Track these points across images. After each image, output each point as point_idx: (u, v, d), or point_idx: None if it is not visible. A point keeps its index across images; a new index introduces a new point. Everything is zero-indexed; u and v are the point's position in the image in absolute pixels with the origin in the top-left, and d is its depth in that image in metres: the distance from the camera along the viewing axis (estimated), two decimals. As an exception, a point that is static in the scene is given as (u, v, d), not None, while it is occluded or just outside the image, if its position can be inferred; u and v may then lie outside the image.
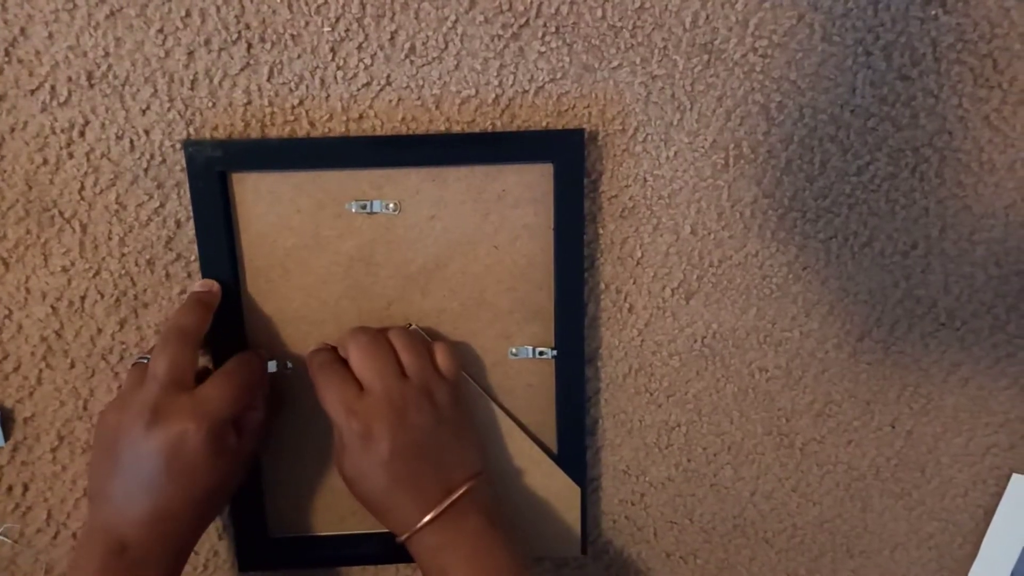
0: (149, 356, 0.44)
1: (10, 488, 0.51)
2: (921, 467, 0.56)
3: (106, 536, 0.42)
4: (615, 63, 0.47)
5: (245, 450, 0.46)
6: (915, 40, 0.48)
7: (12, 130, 0.46)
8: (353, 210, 0.47)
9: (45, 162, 0.46)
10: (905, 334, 0.53)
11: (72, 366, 0.49)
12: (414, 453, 0.44)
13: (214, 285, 0.47)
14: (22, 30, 0.44)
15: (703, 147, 0.49)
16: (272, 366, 0.49)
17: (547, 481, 0.51)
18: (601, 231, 0.50)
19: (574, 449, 0.51)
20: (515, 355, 0.50)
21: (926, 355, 0.54)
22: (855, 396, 0.54)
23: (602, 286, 0.51)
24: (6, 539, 0.51)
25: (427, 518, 0.43)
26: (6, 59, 0.45)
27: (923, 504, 0.57)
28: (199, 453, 0.42)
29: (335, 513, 0.52)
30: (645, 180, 0.49)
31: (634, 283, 0.51)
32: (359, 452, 0.43)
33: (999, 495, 0.56)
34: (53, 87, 0.45)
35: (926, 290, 0.52)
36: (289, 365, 0.49)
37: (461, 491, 0.44)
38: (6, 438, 0.50)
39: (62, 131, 0.46)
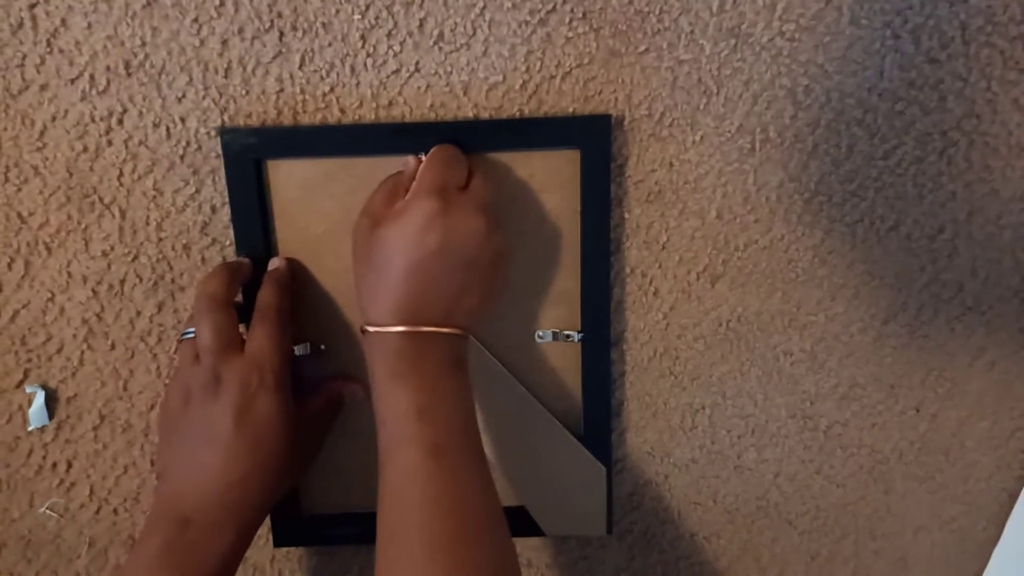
0: (191, 330, 0.45)
1: (55, 465, 0.53)
2: (945, 451, 0.56)
3: (171, 512, 0.42)
4: (642, 48, 0.48)
5: (309, 429, 0.47)
6: (944, 23, 0.47)
7: (53, 119, 0.47)
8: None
9: (85, 149, 0.48)
10: (931, 318, 0.53)
11: (112, 347, 0.51)
12: (449, 263, 0.42)
13: (245, 259, 0.48)
14: (63, 21, 0.45)
15: (729, 131, 0.49)
16: (306, 348, 0.50)
17: (573, 462, 0.52)
18: (627, 215, 0.50)
19: (599, 431, 0.52)
20: (541, 338, 0.51)
21: (952, 339, 0.54)
22: (880, 380, 0.54)
23: (627, 270, 0.51)
24: (52, 513, 0.53)
25: (407, 328, 0.41)
26: (48, 49, 0.46)
27: (946, 487, 0.57)
28: (266, 406, 0.43)
29: (367, 491, 0.53)
30: (671, 165, 0.50)
31: (659, 267, 0.51)
32: (416, 225, 0.41)
33: (1023, 479, 0.56)
34: (92, 76, 0.46)
35: (953, 274, 0.52)
36: (322, 347, 0.51)
37: (454, 331, 0.43)
38: (50, 417, 0.52)
39: (101, 119, 0.47)
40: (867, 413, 0.55)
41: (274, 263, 0.48)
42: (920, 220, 0.51)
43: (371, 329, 0.42)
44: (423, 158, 0.45)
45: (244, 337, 0.45)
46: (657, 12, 0.47)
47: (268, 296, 0.46)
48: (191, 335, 0.45)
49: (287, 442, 0.44)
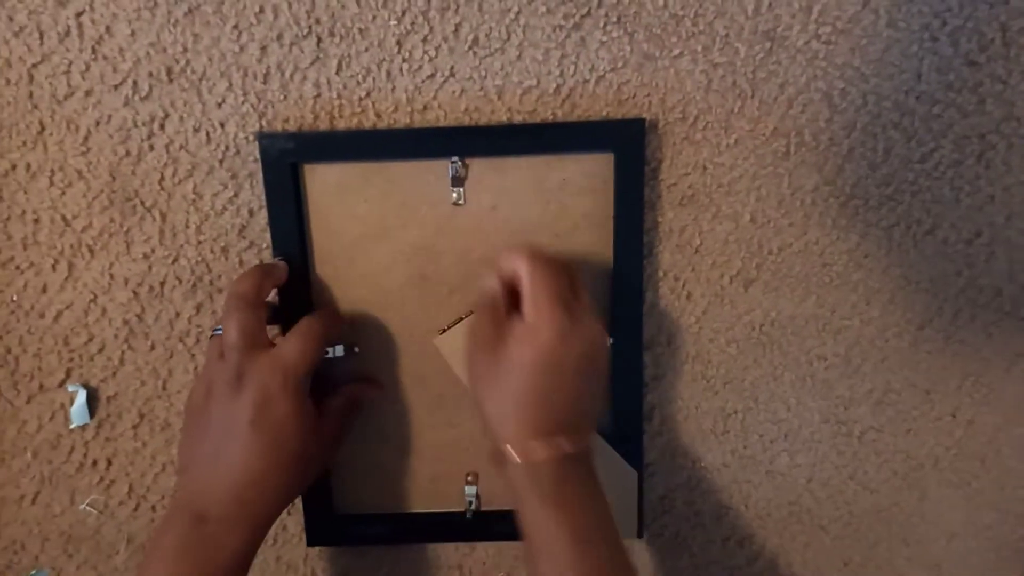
0: (220, 327, 0.46)
1: (95, 462, 0.54)
2: (981, 457, 0.55)
3: (188, 508, 0.43)
4: (676, 52, 0.48)
5: (328, 430, 0.48)
6: (983, 25, 0.47)
7: (97, 124, 0.48)
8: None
9: (128, 154, 0.49)
10: (967, 323, 0.53)
11: (152, 348, 0.52)
12: (582, 374, 0.42)
13: (281, 262, 0.49)
14: (107, 28, 0.46)
15: (764, 135, 0.49)
16: (340, 350, 0.51)
17: (605, 465, 0.52)
18: (660, 219, 0.50)
19: (631, 434, 0.52)
20: (575, 341, 0.51)
21: (988, 344, 0.53)
22: (915, 385, 0.54)
23: (660, 273, 0.51)
24: (91, 510, 0.55)
25: (546, 443, 0.41)
26: (92, 56, 0.47)
27: (982, 494, 0.56)
28: (283, 408, 0.43)
29: (398, 492, 0.54)
30: (704, 168, 0.50)
31: (692, 271, 0.51)
32: (553, 343, 0.41)
33: (1063, 487, 0.56)
34: (135, 82, 0.47)
35: (990, 279, 0.52)
36: (356, 349, 0.51)
37: (587, 444, 0.43)
38: (91, 415, 0.53)
39: (143, 124, 0.48)
40: (902, 419, 0.55)
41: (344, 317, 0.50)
42: (957, 224, 0.51)
43: (514, 453, 0.42)
44: (515, 271, 0.44)
45: (272, 341, 0.46)
46: (692, 16, 0.47)
47: (319, 317, 0.47)
48: (220, 332, 0.46)
49: (304, 444, 0.45)
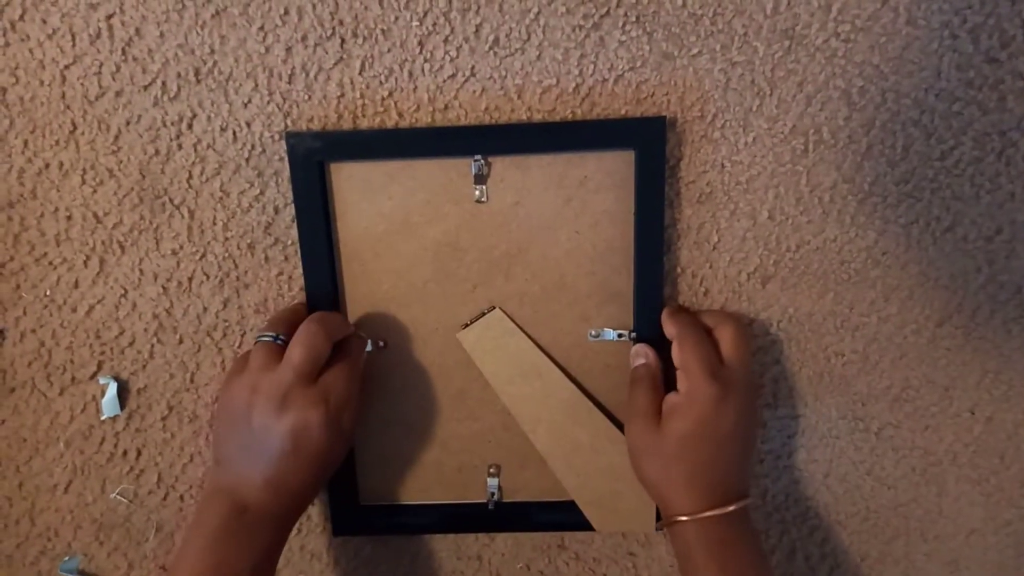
0: (272, 335, 0.47)
1: (125, 453, 0.55)
2: (1000, 454, 0.56)
3: (229, 498, 0.45)
4: (695, 50, 0.48)
5: (348, 426, 0.48)
6: (1004, 21, 0.47)
7: (127, 123, 0.49)
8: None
9: (157, 153, 0.50)
10: (987, 320, 0.53)
11: (180, 342, 0.53)
12: (738, 439, 0.47)
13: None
14: (137, 30, 0.48)
15: (782, 133, 0.49)
16: (368, 345, 0.52)
17: (623, 459, 0.53)
18: (678, 216, 0.51)
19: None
20: (595, 337, 0.52)
21: (1008, 341, 0.53)
22: (933, 381, 0.54)
23: (678, 270, 0.52)
24: (122, 499, 0.56)
25: (714, 512, 0.45)
26: (123, 58, 0.48)
27: (1001, 491, 0.56)
28: (320, 436, 0.45)
29: (421, 483, 0.55)
30: (723, 166, 0.50)
31: (710, 267, 0.52)
32: (708, 413, 0.45)
33: (1083, 484, 0.56)
34: (164, 83, 0.49)
35: (1010, 276, 0.52)
36: (382, 343, 0.52)
37: (747, 501, 0.47)
38: (122, 407, 0.54)
39: (172, 124, 0.49)
40: (920, 415, 0.55)
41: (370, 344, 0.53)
42: (977, 221, 0.51)
43: (687, 520, 0.46)
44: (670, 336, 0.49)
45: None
46: (711, 15, 0.47)
47: (357, 347, 0.49)
48: (271, 339, 0.47)
49: (332, 455, 0.47)
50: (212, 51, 0.48)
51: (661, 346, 0.50)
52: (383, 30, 0.48)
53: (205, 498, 0.46)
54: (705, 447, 0.46)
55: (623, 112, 0.49)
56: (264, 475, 0.45)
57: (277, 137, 0.49)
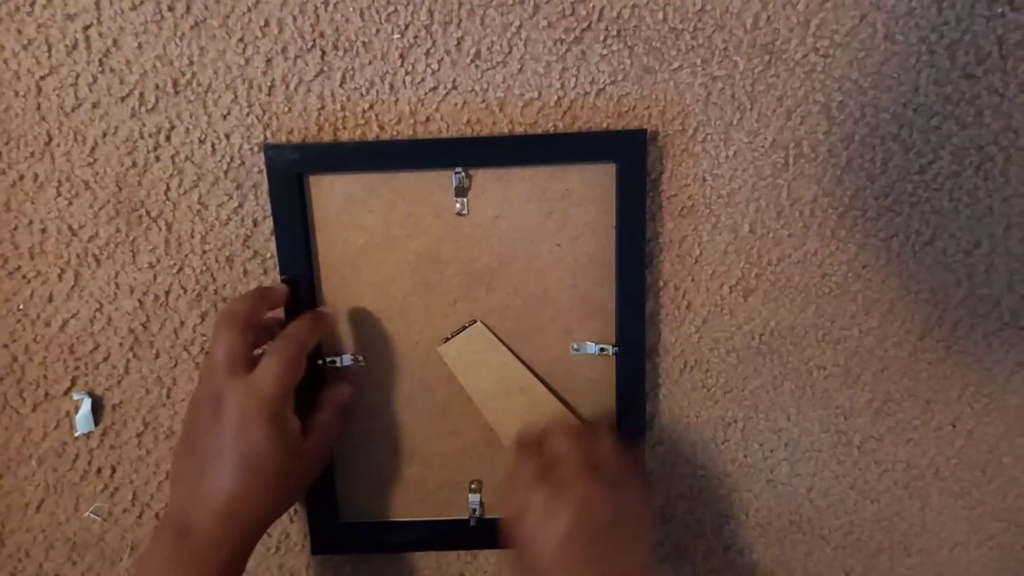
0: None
1: (99, 470, 0.54)
2: (982, 467, 0.56)
3: (176, 521, 0.43)
4: (675, 65, 0.48)
5: (312, 447, 0.47)
6: (980, 38, 0.47)
7: (104, 135, 0.49)
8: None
9: (134, 165, 0.49)
10: (967, 333, 0.53)
11: (157, 356, 0.52)
12: (597, 534, 0.43)
13: (281, 285, 0.49)
14: (114, 41, 0.47)
15: (763, 147, 0.49)
16: (347, 359, 0.51)
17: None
18: (660, 229, 0.51)
19: (633, 443, 0.52)
20: (576, 351, 0.51)
21: (989, 354, 0.53)
22: (915, 395, 0.54)
23: (660, 283, 0.52)
24: (96, 517, 0.55)
25: None
26: (100, 69, 0.48)
27: (984, 504, 0.56)
28: (261, 434, 0.43)
29: (403, 500, 0.55)
30: (704, 179, 0.50)
31: (692, 280, 0.52)
32: (541, 520, 0.43)
33: (1064, 496, 0.56)
34: (142, 94, 0.48)
35: (989, 289, 0.52)
36: (361, 359, 0.52)
37: None
38: (96, 423, 0.53)
39: (149, 136, 0.49)
40: (902, 428, 0.55)
41: (326, 309, 0.50)
42: (956, 235, 0.51)
43: None
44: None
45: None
46: (691, 29, 0.47)
47: (298, 329, 0.47)
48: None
49: (284, 465, 0.44)
50: (191, 62, 0.48)
51: (640, 358, 0.50)
52: (364, 42, 0.48)
53: (156, 528, 0.45)
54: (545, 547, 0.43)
55: (604, 125, 0.49)
56: (210, 492, 0.43)
57: (256, 149, 0.49)
